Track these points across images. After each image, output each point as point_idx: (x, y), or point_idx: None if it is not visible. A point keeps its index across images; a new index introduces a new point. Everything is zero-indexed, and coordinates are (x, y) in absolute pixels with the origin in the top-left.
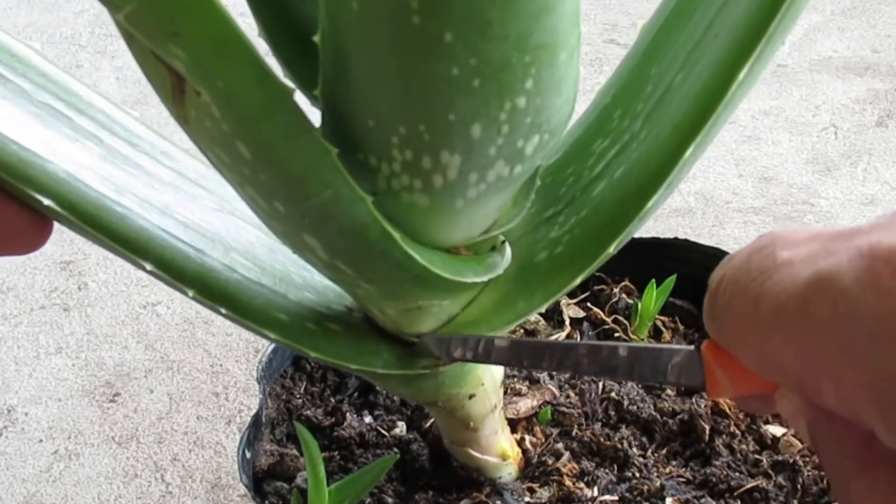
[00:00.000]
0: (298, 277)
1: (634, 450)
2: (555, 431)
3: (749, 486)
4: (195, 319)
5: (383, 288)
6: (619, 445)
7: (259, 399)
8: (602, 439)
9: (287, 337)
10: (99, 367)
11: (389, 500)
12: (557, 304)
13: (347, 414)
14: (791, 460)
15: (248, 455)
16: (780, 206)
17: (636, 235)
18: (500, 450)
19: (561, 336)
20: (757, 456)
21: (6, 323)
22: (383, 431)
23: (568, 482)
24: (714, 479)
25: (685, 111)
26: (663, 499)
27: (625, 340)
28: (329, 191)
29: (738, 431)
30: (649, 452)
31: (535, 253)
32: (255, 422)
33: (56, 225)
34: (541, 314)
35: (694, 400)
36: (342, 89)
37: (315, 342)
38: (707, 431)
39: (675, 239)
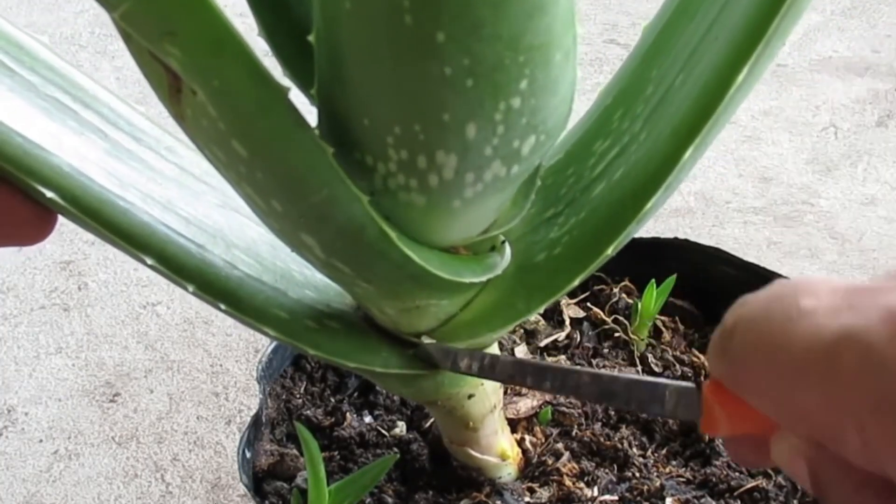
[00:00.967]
0: (299, 275)
1: (634, 450)
2: (555, 431)
3: (749, 486)
4: (195, 319)
5: (381, 287)
6: (619, 445)
7: (259, 399)
8: (602, 439)
9: (286, 334)
10: (99, 367)
11: (389, 499)
12: (557, 303)
13: (347, 414)
14: None
15: (248, 455)
16: (780, 206)
17: (636, 235)
18: (499, 450)
19: (561, 336)
20: None
21: (6, 323)
22: (383, 431)
23: (568, 482)
24: (714, 479)
25: (684, 113)
26: (663, 499)
27: (625, 341)
28: (325, 190)
29: None
30: (649, 452)
31: (534, 253)
32: (255, 422)
33: (56, 226)
34: (541, 314)
35: None
36: (337, 88)
37: (314, 340)
38: None
39: (675, 239)
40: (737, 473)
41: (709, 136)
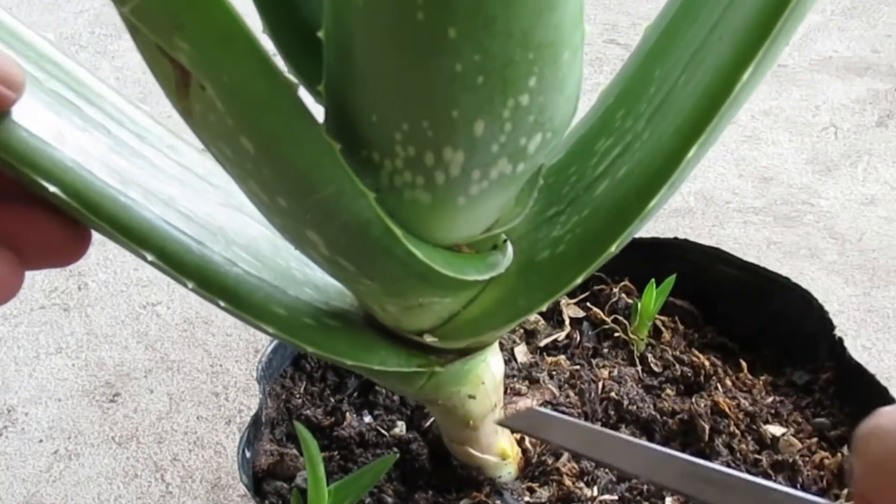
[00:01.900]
0: (299, 273)
1: None
2: None
3: None
4: (195, 319)
5: (385, 285)
6: None
7: (259, 399)
8: None
9: (284, 331)
10: (99, 367)
11: (389, 499)
12: (557, 303)
13: (347, 413)
14: (791, 460)
15: (247, 455)
16: (780, 206)
17: (636, 235)
18: (499, 449)
19: (560, 336)
20: (756, 455)
21: (6, 323)
22: (383, 431)
23: (567, 482)
24: None
25: (688, 112)
26: (663, 498)
27: (624, 341)
28: (331, 187)
29: (737, 431)
30: None
31: (536, 252)
32: (255, 422)
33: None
34: (541, 314)
35: (694, 399)
36: (346, 85)
37: (312, 337)
38: (707, 431)
39: (675, 239)
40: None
41: (713, 134)
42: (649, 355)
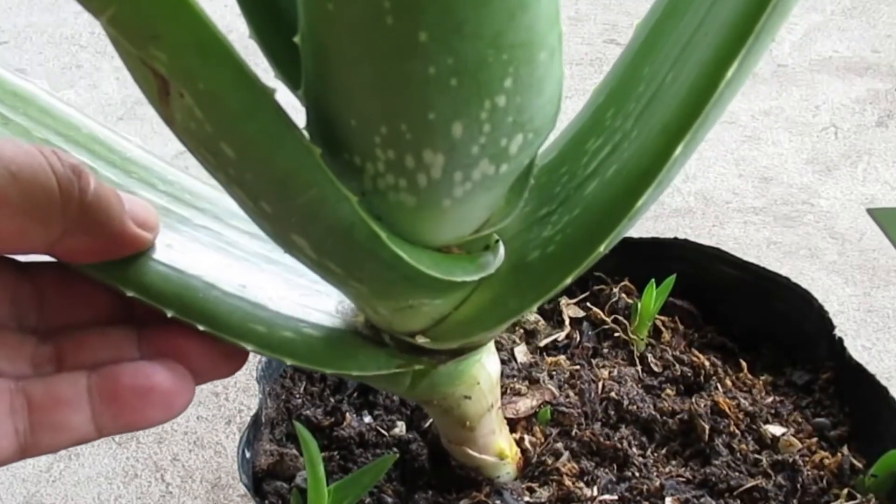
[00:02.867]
0: (284, 285)
1: (634, 449)
2: (554, 431)
3: (749, 485)
4: None
5: (374, 287)
6: (619, 445)
7: (259, 399)
8: (602, 439)
9: (264, 347)
10: None
11: (389, 499)
12: (557, 303)
13: (347, 414)
14: (791, 460)
15: (247, 455)
16: (780, 206)
17: (636, 235)
18: (497, 449)
19: (560, 336)
20: (756, 455)
21: None
22: (383, 431)
23: (567, 482)
24: (713, 479)
25: (674, 110)
26: (663, 498)
27: (624, 341)
28: (313, 190)
29: (737, 431)
30: (649, 452)
31: (528, 252)
32: (255, 422)
33: None
34: (541, 314)
35: (694, 399)
36: (323, 89)
37: (290, 349)
38: (707, 431)
39: (675, 239)
40: (736, 473)
41: (699, 132)
42: (649, 355)
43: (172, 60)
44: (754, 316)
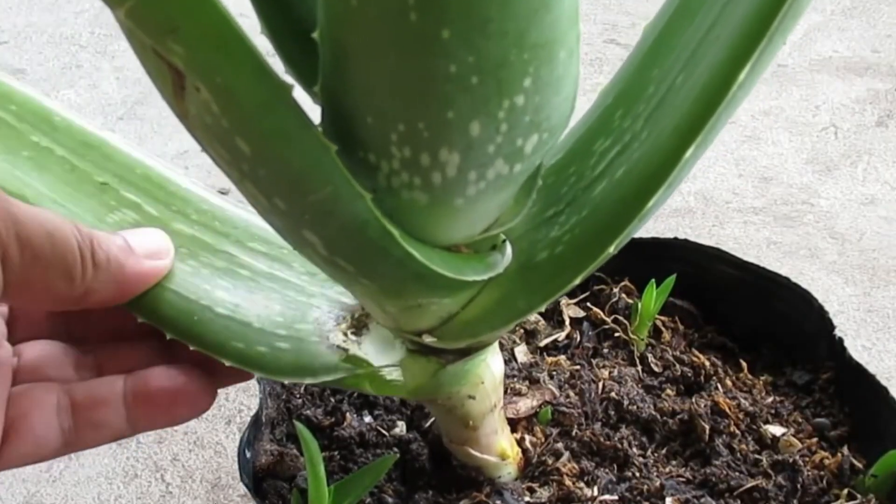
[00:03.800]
0: (278, 303)
1: (634, 449)
2: (554, 431)
3: (749, 485)
4: None
5: (383, 285)
6: (619, 445)
7: (259, 399)
8: (602, 439)
9: (240, 362)
10: None
11: (389, 499)
12: (557, 303)
13: (347, 414)
14: (791, 460)
15: (248, 455)
16: (780, 206)
17: (636, 235)
18: (499, 449)
19: (560, 336)
20: (757, 455)
21: None
22: (383, 431)
23: (568, 482)
24: (714, 479)
25: (686, 112)
26: (663, 498)
27: (625, 341)
28: (328, 188)
29: (737, 431)
30: (649, 452)
31: (535, 252)
32: (255, 421)
33: None
34: (541, 314)
35: (694, 400)
36: (341, 86)
37: (261, 363)
38: (707, 431)
39: (675, 239)
40: (737, 473)
41: (710, 134)
42: (649, 355)
43: (190, 54)
44: (754, 316)
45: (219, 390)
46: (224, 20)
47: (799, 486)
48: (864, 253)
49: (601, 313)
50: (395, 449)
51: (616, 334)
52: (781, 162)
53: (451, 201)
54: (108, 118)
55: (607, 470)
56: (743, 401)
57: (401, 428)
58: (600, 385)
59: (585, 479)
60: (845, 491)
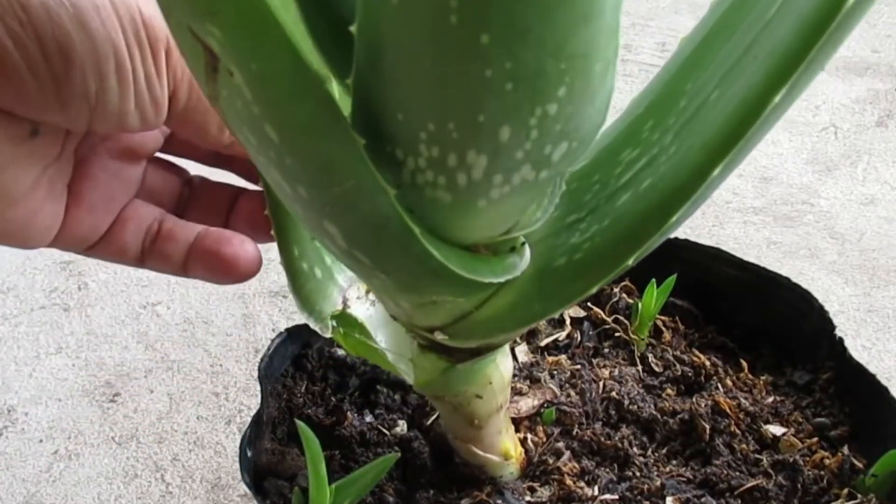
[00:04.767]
0: None
1: (635, 449)
2: (556, 430)
3: (749, 485)
4: (195, 319)
5: (399, 280)
6: (620, 445)
7: (260, 398)
8: (602, 438)
9: None
10: (99, 367)
11: (390, 498)
12: None
13: (348, 413)
14: (791, 460)
15: (249, 454)
16: (780, 206)
17: None
18: (503, 449)
19: (561, 335)
20: (757, 455)
21: (6, 323)
22: (384, 430)
23: (568, 481)
24: (714, 479)
25: (717, 129)
26: (663, 498)
27: (625, 341)
28: (353, 180)
29: (738, 431)
30: (650, 452)
31: (554, 257)
32: (257, 421)
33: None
34: None
35: (694, 399)
36: (374, 81)
37: None
38: (707, 431)
39: (675, 239)
40: (737, 473)
41: (741, 154)
42: (650, 355)
43: (227, 38)
44: (754, 316)
45: (219, 390)
46: (264, 6)
47: (799, 485)
48: (864, 253)
49: (602, 313)
50: (396, 448)
51: (617, 334)
52: (781, 162)
53: (474, 202)
54: None
55: (608, 469)
56: (743, 401)
57: (402, 427)
58: (601, 385)
59: (586, 478)
60: (845, 491)
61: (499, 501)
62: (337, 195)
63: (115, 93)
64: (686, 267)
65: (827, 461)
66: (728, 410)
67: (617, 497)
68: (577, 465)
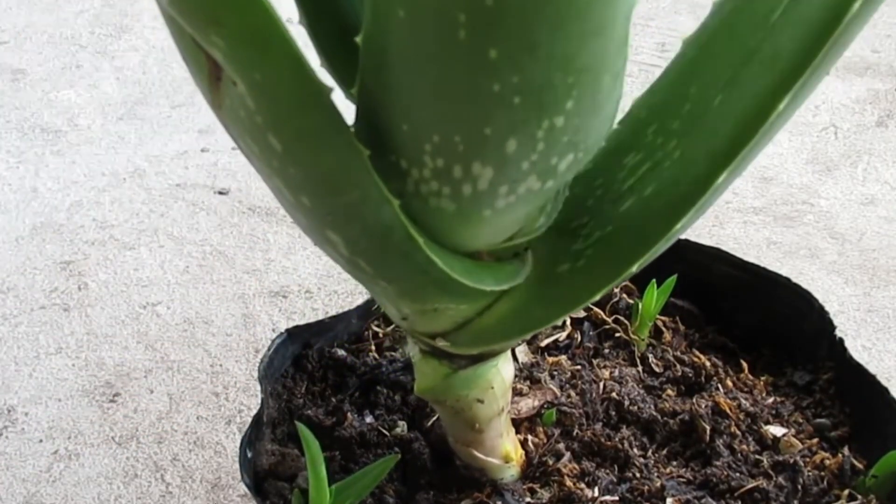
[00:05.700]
0: None
1: (635, 450)
2: (556, 431)
3: (749, 486)
4: (195, 319)
5: (402, 288)
6: (620, 446)
7: (260, 398)
8: (603, 440)
9: None
10: (99, 367)
11: (390, 499)
12: None
13: (348, 413)
14: (791, 461)
15: (249, 455)
16: (780, 206)
17: None
18: (504, 452)
19: (561, 336)
20: (757, 456)
21: (6, 323)
22: (384, 431)
23: (569, 482)
24: (714, 480)
25: (722, 135)
26: (664, 499)
27: (625, 341)
28: (357, 191)
29: (738, 432)
30: (650, 453)
31: (556, 264)
32: (257, 421)
33: (55, 224)
34: None
35: (695, 400)
36: (380, 92)
37: None
38: (708, 432)
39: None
40: (737, 474)
41: (746, 160)
42: (650, 355)
43: (231, 49)
44: (755, 316)
45: (219, 390)
46: (268, 17)
47: (799, 486)
48: (864, 253)
49: (602, 313)
50: (397, 449)
51: (617, 334)
52: (781, 162)
53: (478, 212)
54: (108, 118)
55: (608, 470)
56: (743, 401)
57: (402, 428)
58: (601, 385)
59: (586, 479)
60: (846, 491)
61: (499, 503)
62: (340, 205)
63: None
64: (686, 267)
65: (827, 462)
66: (728, 411)
67: (617, 498)
68: (577, 467)
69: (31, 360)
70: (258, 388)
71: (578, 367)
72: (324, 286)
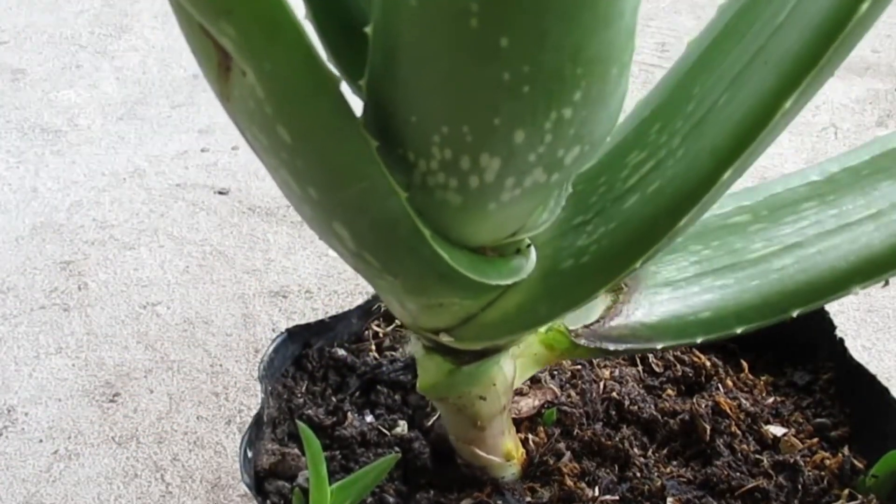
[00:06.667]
0: None
1: (635, 450)
2: (556, 431)
3: (750, 486)
4: (195, 319)
5: (407, 282)
6: (620, 445)
7: (260, 398)
8: (603, 439)
9: None
10: (99, 367)
11: (391, 499)
12: None
13: (349, 413)
14: (792, 460)
15: (249, 454)
16: None
17: None
18: (505, 450)
19: None
20: (758, 456)
21: (6, 323)
22: (385, 430)
23: (569, 482)
24: (715, 479)
25: (726, 134)
26: (664, 499)
27: None
28: (364, 182)
29: (738, 431)
30: (650, 452)
31: (560, 260)
32: (257, 421)
33: (55, 224)
34: None
35: (695, 400)
36: (388, 83)
37: None
38: (708, 431)
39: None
40: (737, 473)
41: (750, 159)
42: (650, 355)
43: (241, 38)
44: None
45: (219, 390)
46: (279, 6)
47: (800, 486)
48: None
49: None
50: (397, 448)
51: None
52: (781, 162)
53: (484, 205)
54: (108, 118)
55: (608, 470)
56: (744, 401)
57: (402, 427)
58: (601, 385)
59: (587, 479)
60: (846, 491)
61: (499, 502)
62: (348, 197)
63: None
64: None
65: (827, 462)
66: (728, 411)
67: (617, 498)
68: (577, 466)
69: (31, 360)
70: (258, 387)
71: (579, 366)
72: (324, 286)
